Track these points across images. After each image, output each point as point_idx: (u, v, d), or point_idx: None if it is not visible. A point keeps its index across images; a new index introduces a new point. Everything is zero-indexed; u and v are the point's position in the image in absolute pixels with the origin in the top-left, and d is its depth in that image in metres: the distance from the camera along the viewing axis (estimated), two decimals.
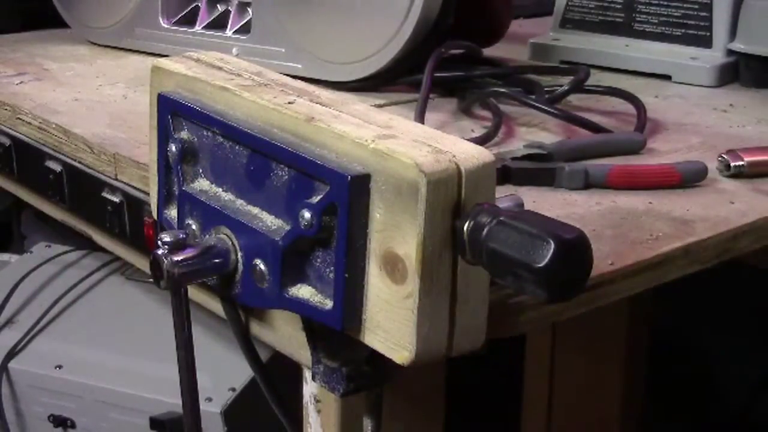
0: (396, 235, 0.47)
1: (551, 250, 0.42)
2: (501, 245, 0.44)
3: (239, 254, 0.54)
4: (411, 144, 0.48)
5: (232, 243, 0.55)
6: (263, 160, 0.53)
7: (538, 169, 0.74)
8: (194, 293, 0.72)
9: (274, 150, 0.52)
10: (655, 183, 0.74)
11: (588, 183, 0.73)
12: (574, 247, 0.43)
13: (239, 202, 0.55)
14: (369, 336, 0.49)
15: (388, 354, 0.48)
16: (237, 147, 0.55)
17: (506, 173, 0.73)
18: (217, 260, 0.55)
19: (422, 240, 0.45)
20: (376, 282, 0.48)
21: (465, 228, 0.46)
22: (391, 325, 0.48)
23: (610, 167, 0.74)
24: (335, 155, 0.49)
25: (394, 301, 0.47)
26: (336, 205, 0.48)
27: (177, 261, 0.54)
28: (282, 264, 0.51)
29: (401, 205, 0.46)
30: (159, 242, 0.55)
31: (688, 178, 0.74)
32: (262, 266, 0.52)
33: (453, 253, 0.47)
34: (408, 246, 0.46)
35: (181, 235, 0.55)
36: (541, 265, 0.42)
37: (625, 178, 0.74)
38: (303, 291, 0.51)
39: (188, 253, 0.55)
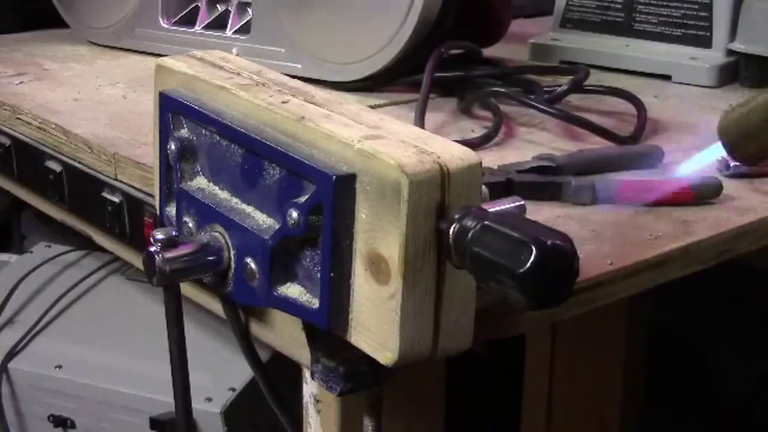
0: (380, 235, 0.46)
1: (532, 256, 0.41)
2: (484, 250, 0.43)
3: (232, 252, 0.55)
4: (397, 144, 0.47)
5: (225, 241, 0.55)
6: (256, 159, 0.53)
7: (543, 183, 0.71)
8: (195, 293, 0.72)
9: (265, 149, 0.52)
10: (666, 200, 0.70)
11: (595, 198, 0.70)
12: (557, 254, 0.41)
13: (234, 200, 0.56)
14: (355, 336, 0.49)
15: (373, 354, 0.48)
16: (232, 146, 0.55)
17: (510, 186, 0.70)
18: (210, 258, 0.55)
19: (404, 241, 0.45)
20: (361, 282, 0.48)
21: (450, 231, 0.45)
22: (376, 325, 0.48)
23: (619, 182, 0.71)
24: (323, 155, 0.49)
25: (378, 301, 0.47)
26: (322, 204, 0.48)
27: (169, 258, 0.54)
28: (271, 262, 0.51)
29: (385, 205, 0.46)
30: (152, 239, 0.55)
31: (702, 196, 0.71)
32: (253, 264, 0.53)
33: (438, 254, 0.46)
34: (391, 247, 0.46)
35: (174, 233, 0.56)
36: (521, 271, 0.41)
37: (634, 195, 0.70)
38: (292, 290, 0.51)
39: (181, 250, 0.55)
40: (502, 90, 0.94)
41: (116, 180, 0.80)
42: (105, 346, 1.06)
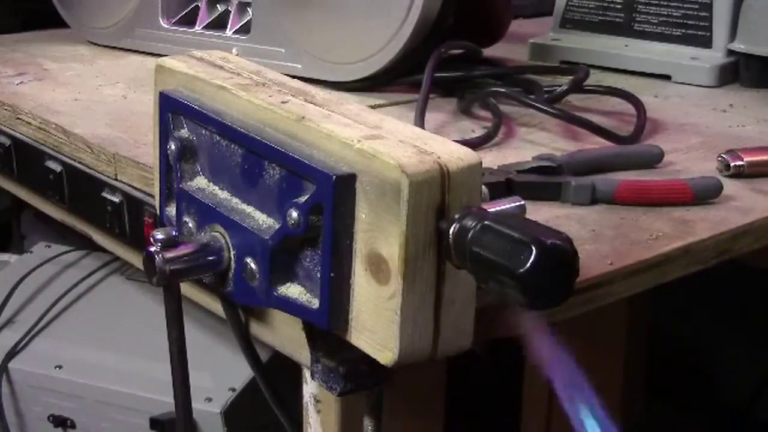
0: (380, 235, 0.46)
1: (532, 256, 0.41)
2: (484, 249, 0.43)
3: (232, 252, 0.55)
4: (397, 144, 0.47)
5: (225, 241, 0.55)
6: (256, 159, 0.53)
7: (543, 183, 0.71)
8: (195, 293, 0.72)
9: (266, 149, 0.52)
10: (666, 200, 0.70)
11: (595, 198, 0.70)
12: (558, 253, 0.41)
13: (234, 200, 0.56)
14: (355, 336, 0.49)
15: (373, 355, 0.48)
16: (232, 146, 0.55)
17: (510, 186, 0.70)
18: (210, 258, 0.55)
19: (404, 241, 0.45)
20: (361, 282, 0.48)
21: (450, 231, 0.45)
22: (376, 325, 0.48)
23: (618, 182, 0.71)
24: (323, 155, 0.49)
25: (378, 301, 0.47)
26: (322, 204, 0.48)
27: (169, 258, 0.54)
28: (271, 262, 0.51)
29: (385, 205, 0.46)
30: (152, 239, 0.55)
31: (702, 196, 0.71)
32: (253, 264, 0.53)
33: (438, 254, 0.46)
34: (391, 247, 0.46)
35: (174, 233, 0.56)
36: (521, 271, 0.41)
37: (634, 194, 0.70)
38: (292, 290, 0.51)
39: (181, 250, 0.55)
40: (502, 90, 0.94)
41: (116, 180, 0.80)
42: (105, 346, 1.06)
